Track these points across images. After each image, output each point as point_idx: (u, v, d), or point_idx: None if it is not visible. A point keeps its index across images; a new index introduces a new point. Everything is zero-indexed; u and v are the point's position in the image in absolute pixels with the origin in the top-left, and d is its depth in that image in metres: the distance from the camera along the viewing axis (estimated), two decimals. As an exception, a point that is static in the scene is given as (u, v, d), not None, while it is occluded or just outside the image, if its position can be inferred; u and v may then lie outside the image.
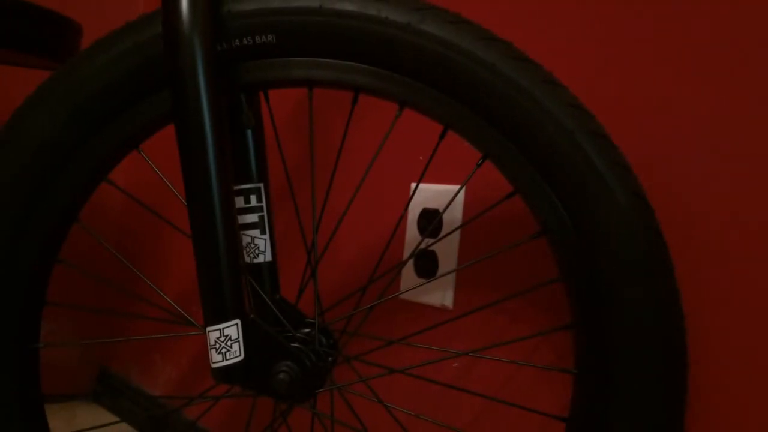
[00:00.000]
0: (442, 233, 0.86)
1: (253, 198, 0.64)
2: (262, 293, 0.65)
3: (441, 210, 0.86)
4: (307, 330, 0.65)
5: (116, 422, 1.32)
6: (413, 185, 0.90)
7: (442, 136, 0.61)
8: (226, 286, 0.56)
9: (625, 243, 0.52)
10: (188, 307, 1.31)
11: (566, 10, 0.75)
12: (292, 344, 0.62)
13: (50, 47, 0.97)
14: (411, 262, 0.89)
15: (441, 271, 0.86)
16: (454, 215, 0.85)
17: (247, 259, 0.65)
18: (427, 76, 0.56)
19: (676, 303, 0.53)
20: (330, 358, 0.65)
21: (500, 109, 0.55)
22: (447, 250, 0.86)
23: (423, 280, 0.88)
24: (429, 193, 0.88)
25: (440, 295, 0.86)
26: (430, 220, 0.88)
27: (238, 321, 0.57)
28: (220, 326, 0.56)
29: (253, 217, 0.64)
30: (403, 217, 0.79)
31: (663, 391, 0.52)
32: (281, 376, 0.59)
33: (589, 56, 0.73)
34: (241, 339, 0.57)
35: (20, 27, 0.93)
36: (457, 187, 0.84)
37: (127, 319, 1.51)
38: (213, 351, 0.56)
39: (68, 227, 0.66)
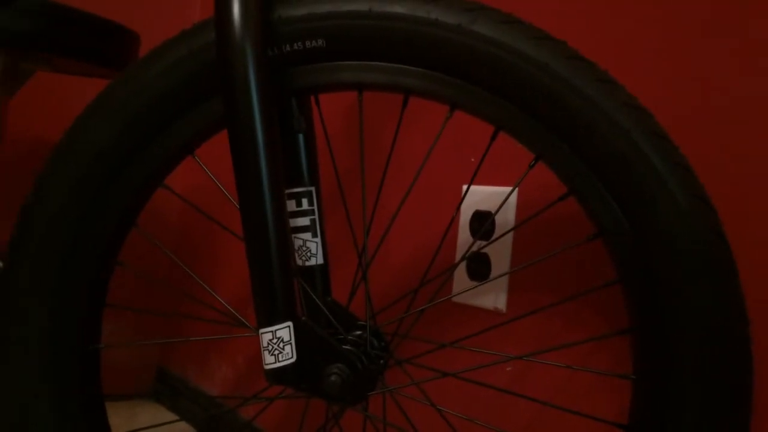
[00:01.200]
0: (495, 235, 0.85)
1: (304, 201, 0.65)
2: (313, 296, 0.65)
3: (493, 212, 0.85)
4: (358, 332, 0.65)
5: (175, 421, 1.35)
6: (465, 187, 0.89)
7: (493, 138, 0.60)
8: (278, 288, 0.56)
9: (685, 245, 0.50)
10: (243, 309, 1.34)
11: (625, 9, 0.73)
12: (343, 346, 0.62)
13: (109, 57, 1.00)
14: (463, 265, 0.88)
15: (494, 273, 0.85)
16: (507, 217, 0.84)
17: (299, 262, 0.65)
18: (478, 77, 0.55)
19: (739, 307, 0.51)
20: (381, 361, 0.65)
21: (553, 109, 0.54)
22: (500, 253, 0.85)
23: (475, 283, 0.87)
24: (481, 195, 0.87)
25: (493, 298, 0.85)
26: (483, 222, 0.87)
27: (290, 323, 0.57)
28: (273, 328, 0.57)
29: (304, 221, 0.65)
30: (454, 219, 0.78)
31: (726, 398, 0.50)
32: (333, 378, 0.59)
33: (650, 52, 0.71)
34: (293, 341, 0.57)
35: (82, 37, 0.96)
36: (510, 188, 0.83)
37: (185, 320, 1.55)
38: (266, 353, 0.57)
39: (127, 231, 0.67)
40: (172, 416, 1.50)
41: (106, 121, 0.63)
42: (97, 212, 0.64)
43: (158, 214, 1.60)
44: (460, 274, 0.89)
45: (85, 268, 0.65)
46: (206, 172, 0.67)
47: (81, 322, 0.66)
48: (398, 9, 0.56)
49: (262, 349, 0.57)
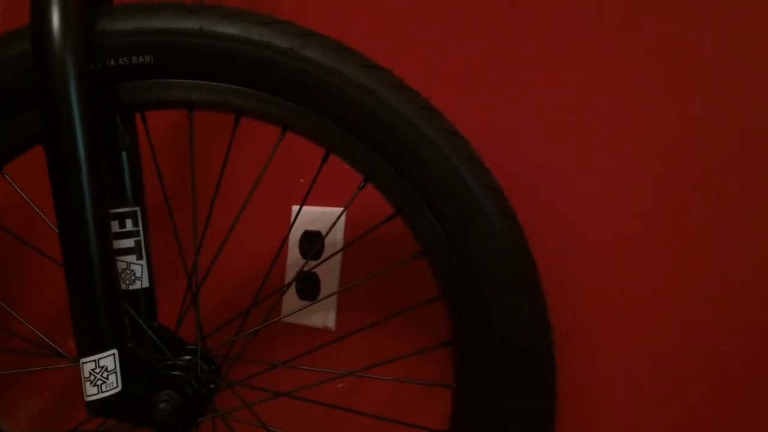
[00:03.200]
0: (324, 256, 0.87)
1: (128, 222, 0.62)
2: (140, 321, 0.62)
3: (323, 232, 0.87)
4: (188, 357, 0.63)
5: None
6: (295, 208, 0.90)
7: (324, 160, 0.62)
8: (102, 314, 0.53)
9: (498, 263, 0.55)
10: (52, 338, 1.23)
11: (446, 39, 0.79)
12: (172, 372, 0.60)
13: None
14: (293, 285, 0.89)
15: (323, 293, 0.87)
16: (335, 237, 0.86)
17: (123, 286, 0.62)
18: (309, 100, 0.57)
19: (543, 317, 0.56)
20: (212, 385, 0.63)
21: (380, 134, 0.56)
22: (329, 272, 0.86)
23: (306, 303, 0.88)
24: (311, 216, 0.89)
25: (322, 316, 0.86)
26: (312, 242, 0.88)
27: (115, 351, 0.54)
28: (95, 357, 0.53)
29: (129, 242, 0.62)
30: (285, 239, 0.78)
31: (534, 402, 0.56)
32: (162, 405, 0.57)
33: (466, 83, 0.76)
34: (118, 369, 0.55)
35: None
36: (339, 209, 0.86)
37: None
38: (87, 383, 0.54)
39: None
40: (-35, 463, 1.34)
41: None
42: None
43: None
44: (291, 294, 0.90)
45: None
46: (17, 189, 0.62)
47: None
48: (230, 30, 0.56)
49: (83, 379, 0.54)
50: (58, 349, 0.63)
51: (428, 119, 0.56)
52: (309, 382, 0.85)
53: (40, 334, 0.65)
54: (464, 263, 0.56)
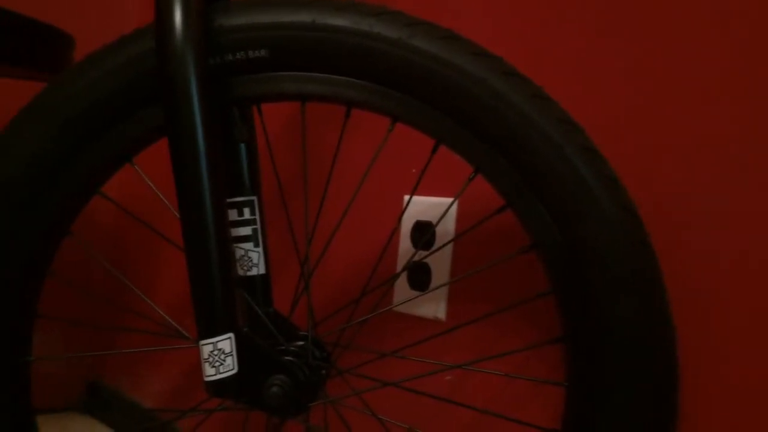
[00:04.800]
0: (435, 246, 0.86)
1: (246, 211, 0.65)
2: (255, 306, 0.65)
3: (434, 222, 0.86)
4: (300, 343, 0.65)
5: (109, 434, 1.31)
6: (406, 198, 0.90)
7: (434, 150, 0.62)
8: (219, 299, 0.56)
9: (614, 257, 0.52)
10: (181, 320, 1.31)
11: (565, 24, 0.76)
12: (285, 357, 0.62)
13: (42, 60, 0.97)
14: (404, 275, 0.89)
15: (434, 283, 0.86)
16: (447, 228, 0.85)
17: (241, 272, 0.65)
18: (418, 90, 0.56)
19: (665, 315, 0.53)
20: (323, 371, 0.65)
21: (490, 124, 0.55)
22: (440, 263, 0.86)
23: (416, 293, 0.88)
24: (422, 206, 0.88)
25: (433, 307, 0.86)
26: (423, 232, 0.88)
27: (231, 335, 0.57)
28: (214, 340, 0.56)
29: (246, 230, 0.65)
30: (396, 229, 0.79)
31: (653, 404, 0.53)
32: (274, 389, 0.59)
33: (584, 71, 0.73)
34: (234, 352, 0.57)
35: (13, 39, 0.93)
36: (450, 199, 0.85)
37: (119, 331, 1.50)
38: (206, 364, 0.56)
39: (60, 240, 0.66)
40: (104, 429, 1.46)
41: (40, 125, 0.61)
42: (28, 219, 0.62)
43: (95, 223, 1.55)
44: (401, 283, 0.90)
45: (15, 278, 0.63)
46: (145, 179, 0.66)
47: (11, 333, 0.64)
48: (341, 22, 0.57)
49: (203, 360, 0.56)
50: (182, 330, 0.66)
51: (540, 108, 0.54)
52: (417, 373, 0.85)
53: (166, 316, 0.69)
54: (577, 257, 0.54)
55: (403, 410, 0.87)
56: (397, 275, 0.63)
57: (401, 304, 0.70)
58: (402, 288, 0.90)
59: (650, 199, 0.66)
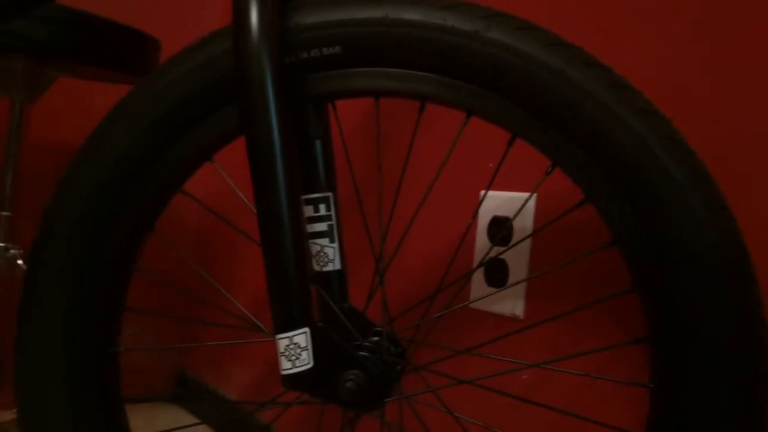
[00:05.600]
0: (513, 241, 0.85)
1: (322, 207, 0.65)
2: (330, 301, 0.65)
3: (511, 217, 0.85)
4: (375, 338, 0.65)
5: (195, 424, 1.36)
6: (482, 192, 0.89)
7: (510, 144, 0.60)
8: (295, 294, 0.57)
9: (702, 252, 0.50)
10: (260, 314, 1.34)
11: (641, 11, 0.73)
12: (359, 353, 0.62)
13: (130, 63, 1.01)
14: (481, 271, 0.88)
15: (512, 279, 0.85)
16: (525, 223, 0.83)
17: (317, 268, 0.65)
18: (494, 83, 0.55)
19: (758, 315, 0.50)
20: (398, 367, 0.65)
21: (568, 116, 0.53)
22: (518, 259, 0.84)
23: (493, 289, 0.87)
24: (499, 201, 0.87)
25: (511, 304, 0.84)
26: (501, 228, 0.86)
27: (307, 329, 0.57)
28: (290, 334, 0.57)
29: (322, 226, 0.65)
30: (471, 224, 0.78)
31: (744, 408, 0.50)
32: (348, 384, 0.59)
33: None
34: (310, 347, 0.58)
35: (102, 44, 0.97)
36: (528, 194, 0.83)
37: (205, 325, 1.56)
38: (283, 358, 0.57)
39: (145, 236, 0.68)
40: (191, 419, 1.51)
41: (126, 127, 0.64)
42: (115, 217, 0.65)
43: (178, 220, 1.61)
44: (478, 280, 0.89)
45: (104, 272, 0.66)
46: (224, 177, 0.68)
47: (100, 325, 0.67)
48: (414, 16, 0.56)
49: (279, 354, 0.57)
50: (260, 324, 0.68)
51: (622, 98, 0.52)
52: (494, 371, 0.84)
53: (244, 310, 0.70)
54: (662, 254, 0.51)
55: (479, 409, 0.86)
56: (473, 270, 0.63)
57: (478, 300, 0.69)
58: (479, 284, 0.89)
59: (744, 194, 0.63)
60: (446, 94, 0.58)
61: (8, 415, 1.13)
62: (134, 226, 0.66)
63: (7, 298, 1.02)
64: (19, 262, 1.01)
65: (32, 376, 0.66)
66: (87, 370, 0.66)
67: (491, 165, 0.88)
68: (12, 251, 1.01)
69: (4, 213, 1.01)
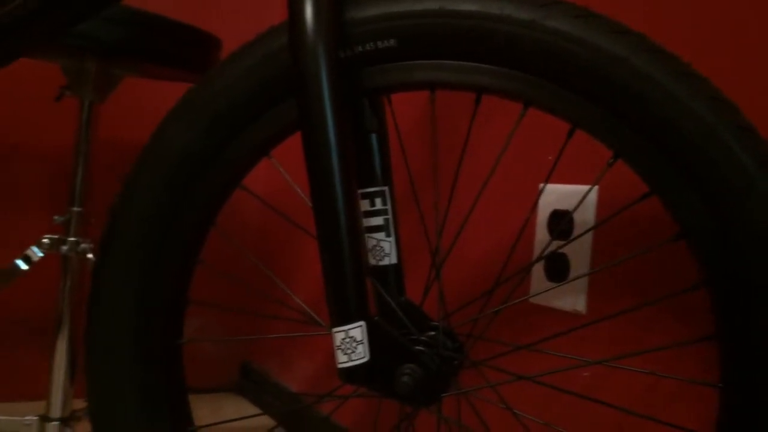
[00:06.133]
0: (574, 235, 0.83)
1: (378, 201, 0.65)
2: (386, 295, 0.65)
3: (571, 211, 0.83)
4: (431, 333, 0.65)
5: (258, 414, 1.38)
6: (541, 186, 0.87)
7: (569, 136, 0.59)
8: (351, 288, 0.57)
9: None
10: (320, 307, 1.36)
11: None
12: (416, 347, 0.62)
13: (193, 61, 1.04)
14: (541, 265, 0.87)
15: (573, 274, 0.83)
16: (587, 217, 0.81)
17: (373, 262, 0.65)
18: (553, 73, 0.54)
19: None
20: (455, 362, 0.64)
21: (632, 105, 0.52)
22: (579, 253, 0.83)
23: (554, 284, 0.85)
24: (560, 194, 0.85)
25: (572, 299, 0.83)
26: (561, 221, 0.85)
27: (362, 323, 0.57)
28: (345, 328, 0.57)
29: (378, 220, 0.65)
30: (529, 218, 0.76)
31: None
32: (405, 378, 0.59)
33: (735, 43, 0.67)
34: (366, 341, 0.58)
35: (168, 44, 1.00)
36: (589, 187, 0.81)
37: (268, 318, 1.58)
38: (339, 351, 0.58)
39: (207, 231, 0.70)
40: (255, 410, 1.54)
41: (187, 124, 0.65)
42: (179, 212, 0.67)
43: (239, 215, 1.64)
44: (538, 274, 0.88)
45: (168, 266, 0.68)
46: (281, 171, 0.69)
47: (165, 317, 0.69)
48: (469, 6, 0.55)
49: (335, 348, 0.58)
50: (316, 317, 0.68)
51: (688, 86, 0.50)
52: (554, 368, 0.82)
53: (301, 303, 0.71)
54: (733, 248, 0.49)
55: (539, 406, 0.85)
56: (532, 263, 0.61)
57: (537, 294, 0.67)
58: (539, 279, 0.87)
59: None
60: (503, 84, 0.57)
61: (82, 403, 1.18)
62: (196, 220, 0.67)
63: (78, 290, 1.06)
64: (90, 255, 1.05)
65: (101, 365, 0.68)
66: (153, 360, 0.68)
67: (550, 158, 0.87)
68: (83, 245, 1.05)
69: (76, 209, 1.05)
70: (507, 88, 0.57)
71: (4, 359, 1.40)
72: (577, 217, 0.82)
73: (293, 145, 0.74)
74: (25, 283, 1.19)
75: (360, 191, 0.65)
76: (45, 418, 1.04)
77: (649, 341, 0.73)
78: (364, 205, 0.65)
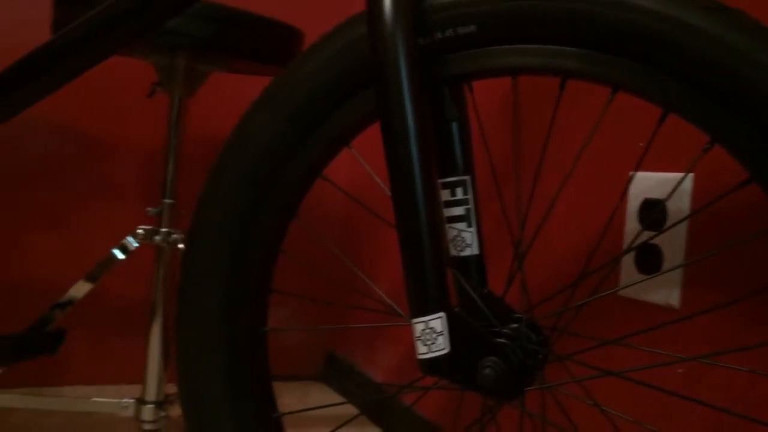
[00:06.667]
0: (667, 225, 0.79)
1: (459, 191, 0.64)
2: (467, 287, 0.64)
3: (664, 200, 0.79)
4: (514, 326, 0.63)
5: (343, 403, 1.40)
6: (631, 174, 0.84)
7: (662, 121, 0.56)
8: (431, 278, 0.56)
9: None
10: (402, 298, 1.36)
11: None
12: (498, 339, 0.61)
13: (277, 55, 1.05)
14: (632, 257, 0.83)
15: (666, 266, 0.79)
16: (681, 206, 0.77)
17: (454, 252, 0.65)
18: (641, 54, 0.51)
19: None
20: (539, 356, 0.62)
21: (730, 87, 0.48)
22: (673, 244, 0.79)
23: (645, 276, 0.81)
24: (652, 182, 0.81)
25: (665, 292, 0.79)
26: (653, 210, 0.81)
27: (442, 314, 0.57)
28: (425, 318, 0.56)
29: (459, 210, 0.64)
30: (618, 207, 0.73)
31: None
32: (486, 371, 0.58)
33: None
34: (446, 332, 0.57)
35: (253, 38, 1.02)
36: (683, 174, 0.77)
37: (351, 308, 1.60)
38: (419, 343, 0.57)
39: (289, 222, 0.71)
40: (339, 398, 1.57)
41: (269, 116, 0.66)
42: (263, 202, 0.68)
43: (321, 207, 1.66)
44: (629, 266, 0.84)
45: (253, 255, 0.69)
46: (361, 161, 0.69)
47: (250, 305, 0.70)
48: (554, -12, 0.53)
49: (416, 338, 0.57)
50: (397, 309, 0.68)
51: (794, 64, 0.46)
52: (645, 364, 0.79)
53: (381, 294, 0.71)
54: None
55: (628, 403, 0.82)
56: (621, 254, 0.59)
57: (627, 287, 0.65)
58: (629, 271, 0.84)
59: None
60: (589, 68, 0.54)
61: (175, 387, 1.23)
62: (279, 210, 0.69)
63: (171, 279, 1.10)
64: (181, 245, 1.09)
65: (190, 352, 0.71)
66: (239, 347, 0.70)
67: (641, 144, 0.83)
68: (174, 236, 1.09)
69: (167, 200, 1.09)
70: (593, 71, 0.54)
71: (102, 344, 1.48)
72: (671, 206, 0.78)
73: (374, 135, 0.74)
74: (122, 272, 1.25)
75: (441, 181, 0.64)
76: (141, 401, 1.09)
77: (745, 337, 0.69)
78: (445, 195, 0.64)
